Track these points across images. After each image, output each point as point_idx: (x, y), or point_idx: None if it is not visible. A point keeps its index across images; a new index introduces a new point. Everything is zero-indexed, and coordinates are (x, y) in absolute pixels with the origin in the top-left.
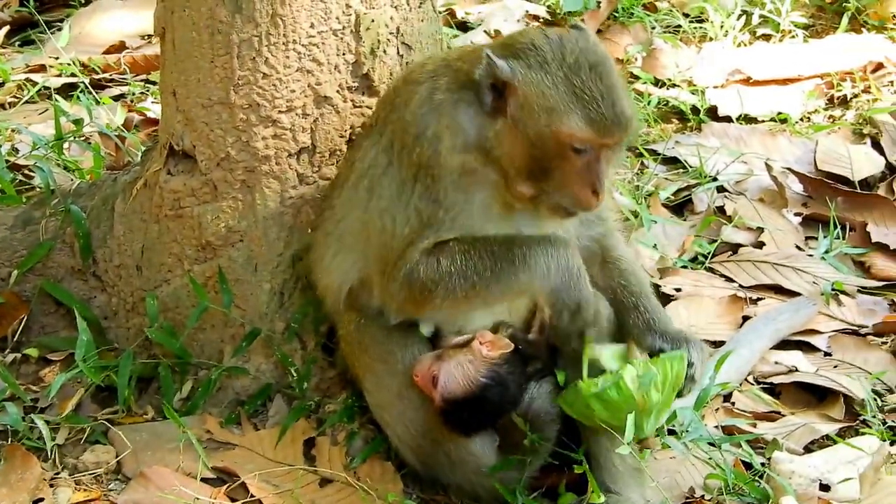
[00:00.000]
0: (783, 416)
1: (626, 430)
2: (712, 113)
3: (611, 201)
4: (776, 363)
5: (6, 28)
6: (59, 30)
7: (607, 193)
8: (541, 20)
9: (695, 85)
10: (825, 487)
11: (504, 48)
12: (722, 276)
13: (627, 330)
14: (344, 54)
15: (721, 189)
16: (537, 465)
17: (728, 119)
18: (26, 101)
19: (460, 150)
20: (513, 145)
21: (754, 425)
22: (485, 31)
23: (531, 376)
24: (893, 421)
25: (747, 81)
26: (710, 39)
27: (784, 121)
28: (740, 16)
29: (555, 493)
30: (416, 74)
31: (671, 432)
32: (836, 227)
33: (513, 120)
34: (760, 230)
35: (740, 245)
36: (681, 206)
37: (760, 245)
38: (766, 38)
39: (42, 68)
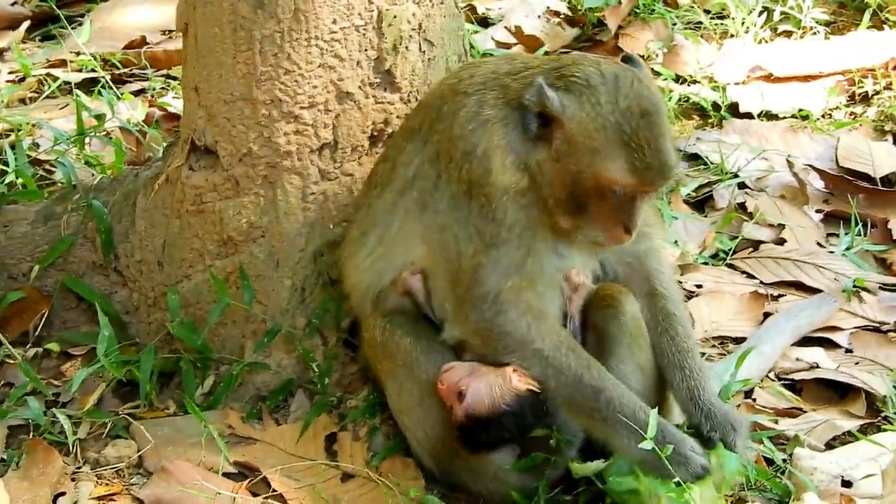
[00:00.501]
0: (804, 412)
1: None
2: (733, 109)
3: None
4: (797, 360)
5: (27, 23)
6: (80, 25)
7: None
8: (562, 16)
9: (716, 81)
10: (847, 484)
11: (558, 78)
12: (743, 272)
13: (670, 387)
14: (366, 50)
15: (742, 186)
16: (561, 467)
17: (749, 116)
18: (47, 96)
19: (511, 170)
20: (553, 175)
21: (776, 422)
22: (505, 27)
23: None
24: None
25: (768, 78)
26: (732, 36)
27: (805, 117)
28: (761, 12)
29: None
30: (464, 85)
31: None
32: (857, 223)
33: (556, 152)
34: (781, 227)
35: (761, 242)
36: (702, 203)
37: (781, 242)
38: (788, 34)
39: (63, 63)
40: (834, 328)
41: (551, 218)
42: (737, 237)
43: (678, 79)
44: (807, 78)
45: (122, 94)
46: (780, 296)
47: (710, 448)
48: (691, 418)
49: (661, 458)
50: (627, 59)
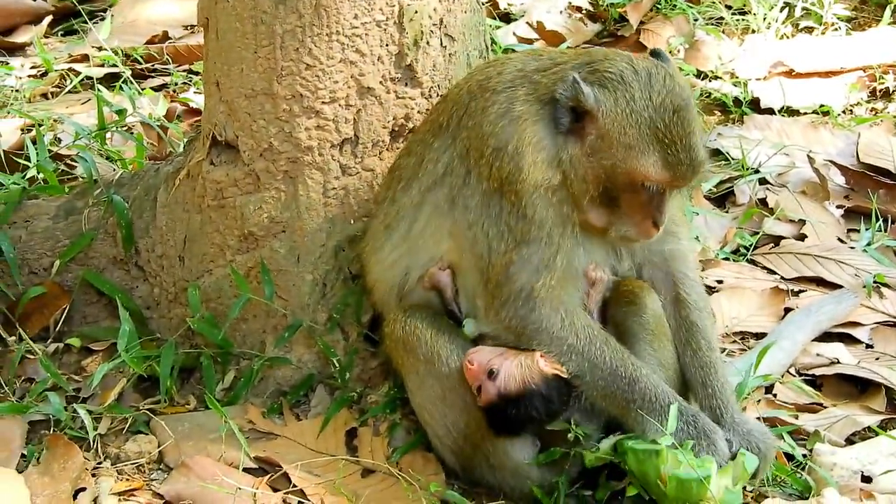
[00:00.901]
0: (825, 407)
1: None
2: (755, 105)
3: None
4: (818, 355)
5: (49, 18)
6: (102, 19)
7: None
8: (584, 11)
9: (737, 77)
10: (867, 479)
11: (591, 73)
12: (764, 268)
13: (693, 402)
14: (387, 45)
15: (763, 181)
16: (578, 466)
17: (770, 111)
18: (69, 91)
19: (542, 167)
20: (586, 170)
21: (796, 417)
22: (527, 23)
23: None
24: None
25: (790, 74)
26: (753, 32)
27: (826, 113)
28: (783, 8)
29: (595, 485)
30: (493, 82)
31: None
32: (878, 219)
33: (589, 147)
34: (802, 222)
35: (782, 237)
36: (723, 198)
37: (802, 237)
38: (809, 30)
39: (85, 58)
40: (854, 324)
41: (580, 214)
42: (758, 233)
43: (700, 74)
44: (828, 74)
45: (143, 89)
46: (800, 291)
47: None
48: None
49: (694, 435)
50: (656, 54)
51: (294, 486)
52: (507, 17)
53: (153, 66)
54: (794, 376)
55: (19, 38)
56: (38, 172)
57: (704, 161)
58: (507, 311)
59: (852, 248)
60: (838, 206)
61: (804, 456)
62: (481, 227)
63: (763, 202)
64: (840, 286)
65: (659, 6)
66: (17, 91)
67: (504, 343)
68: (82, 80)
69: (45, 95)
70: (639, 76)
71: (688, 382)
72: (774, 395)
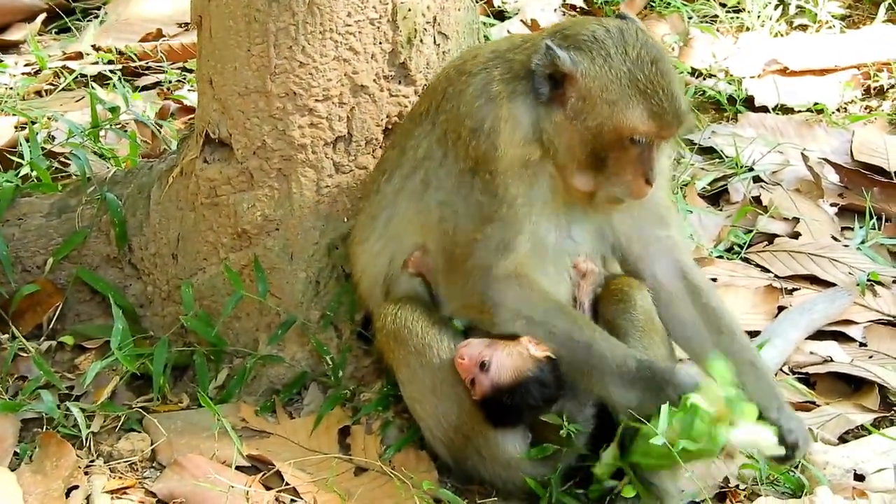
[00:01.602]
0: (818, 405)
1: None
2: (749, 103)
3: (673, 206)
4: (811, 353)
5: (43, 15)
6: (96, 17)
7: (671, 202)
8: (577, 9)
9: (731, 75)
10: (860, 478)
11: (563, 39)
12: (758, 266)
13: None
14: (381, 43)
15: (757, 179)
16: (572, 456)
17: (765, 109)
18: (63, 89)
19: (518, 144)
20: (571, 135)
21: None
22: (521, 21)
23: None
24: None
25: (784, 72)
26: (747, 29)
27: (821, 111)
28: (777, 6)
29: (588, 484)
30: (469, 65)
31: None
32: (872, 217)
33: (572, 111)
34: (796, 220)
35: (776, 235)
36: (717, 196)
37: (796, 235)
38: (803, 28)
39: (78, 56)
40: (848, 322)
41: (566, 184)
42: (751, 231)
43: (694, 72)
44: (822, 72)
45: (136, 87)
46: (794, 289)
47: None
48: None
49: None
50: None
51: (287, 484)
52: (501, 15)
53: (147, 63)
54: (788, 374)
55: (13, 35)
56: (32, 170)
57: (688, 110)
58: (468, 288)
59: (846, 246)
60: (832, 204)
61: None
62: (451, 206)
63: (757, 200)
64: (834, 284)
65: (653, 4)
66: (10, 89)
67: (473, 322)
68: (76, 77)
69: (38, 93)
70: (611, 34)
71: (735, 366)
72: None
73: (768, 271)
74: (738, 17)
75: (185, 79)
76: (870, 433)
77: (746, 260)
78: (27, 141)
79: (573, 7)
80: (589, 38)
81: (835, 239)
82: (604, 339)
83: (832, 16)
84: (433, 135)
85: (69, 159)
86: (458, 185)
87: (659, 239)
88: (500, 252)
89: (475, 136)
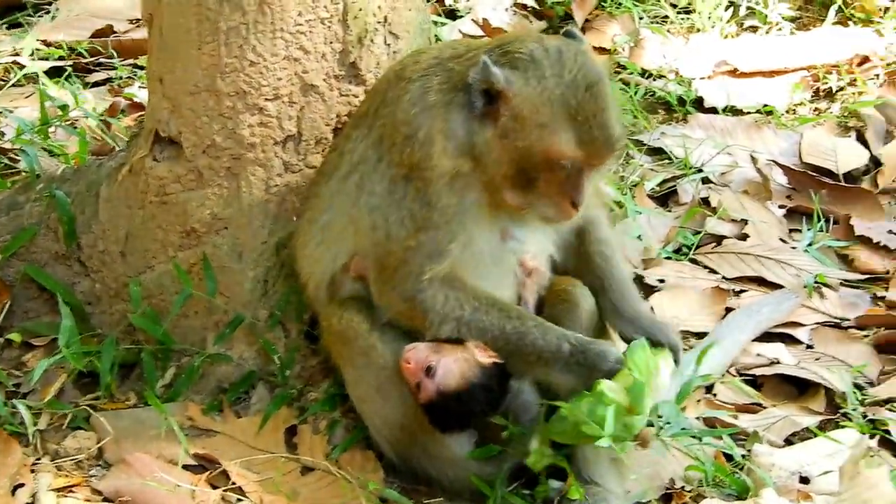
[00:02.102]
0: (764, 408)
1: (608, 426)
2: (698, 104)
3: (599, 200)
4: (758, 355)
5: None
6: (47, 13)
7: (597, 196)
8: (529, 9)
9: (681, 76)
10: (805, 480)
11: (502, 55)
12: (705, 267)
13: (601, 312)
14: (331, 43)
15: (706, 180)
16: (518, 456)
17: (714, 110)
18: (13, 85)
19: (452, 155)
20: (500, 153)
21: (735, 417)
22: (472, 20)
23: (512, 374)
24: (874, 414)
25: (734, 73)
26: (698, 31)
27: (770, 113)
28: (727, 7)
29: (535, 484)
30: (409, 72)
31: (649, 424)
32: (819, 219)
33: (503, 129)
34: (744, 222)
35: (724, 237)
36: (666, 197)
37: (744, 237)
38: (753, 29)
39: (29, 51)
40: (795, 324)
41: (497, 197)
42: (700, 232)
43: (644, 73)
44: (772, 73)
45: (87, 84)
46: (741, 291)
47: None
48: (618, 329)
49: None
50: (568, 34)
51: (233, 483)
52: (452, 14)
53: (98, 60)
54: (735, 376)
55: None
56: None
57: (619, 138)
58: (397, 296)
59: (794, 248)
60: (780, 206)
61: (743, 457)
62: (382, 212)
63: (705, 201)
64: (781, 286)
65: (604, 4)
66: None
67: (407, 327)
68: (26, 73)
69: None
70: (549, 55)
71: (596, 297)
72: (714, 395)
73: (716, 273)
74: (688, 18)
75: (135, 75)
76: (815, 436)
77: (694, 261)
78: None
79: (524, 6)
80: (527, 56)
81: (783, 241)
82: (536, 326)
83: (782, 18)
84: (369, 138)
85: (18, 156)
86: (391, 191)
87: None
88: (432, 258)
89: (409, 143)
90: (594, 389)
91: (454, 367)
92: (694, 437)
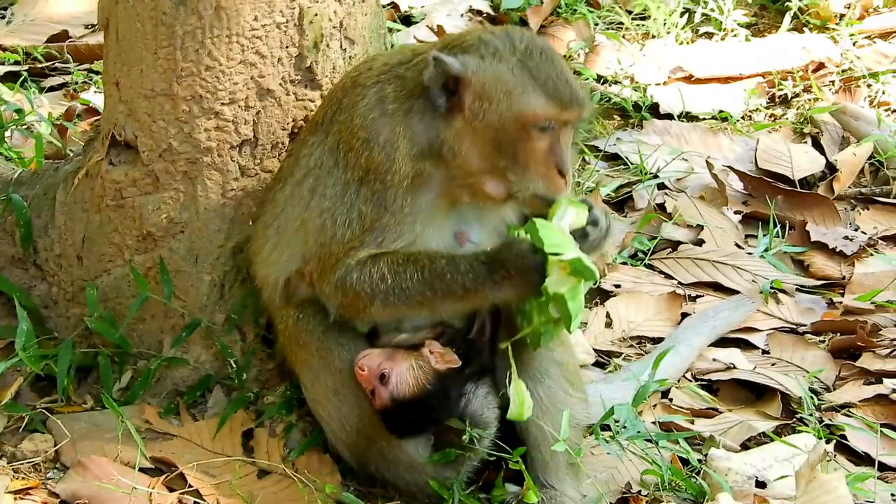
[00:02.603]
0: (720, 412)
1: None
2: (654, 110)
3: None
4: (714, 360)
5: None
6: (2, 17)
7: None
8: (484, 14)
9: (637, 82)
10: (761, 485)
11: (450, 49)
12: (661, 272)
13: None
14: (287, 47)
15: (662, 186)
16: (475, 461)
17: (669, 116)
18: None
19: (415, 158)
20: (474, 139)
21: (692, 422)
22: (427, 26)
23: (470, 377)
24: (830, 419)
25: (689, 79)
26: (653, 37)
27: (725, 119)
28: (683, 13)
29: (492, 488)
30: (363, 78)
31: (606, 428)
32: (775, 225)
33: (471, 114)
34: (700, 228)
35: (680, 242)
36: (621, 203)
37: (700, 242)
38: (709, 36)
39: None
40: (751, 329)
41: (460, 195)
42: (656, 237)
43: (599, 79)
44: (727, 79)
45: (43, 88)
46: (697, 296)
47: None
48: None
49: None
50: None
51: (190, 486)
52: (407, 20)
53: (54, 64)
54: (691, 381)
55: None
56: None
57: (586, 95)
58: (332, 287)
59: (750, 253)
60: (736, 212)
61: (699, 461)
62: (332, 214)
63: (661, 207)
64: (737, 292)
65: (559, 10)
66: None
67: (344, 315)
68: None
69: None
70: (496, 35)
71: None
72: (671, 400)
73: (672, 278)
74: (643, 25)
75: (91, 80)
76: (772, 440)
77: (650, 266)
78: None
79: (479, 13)
80: (475, 41)
81: (738, 246)
82: (448, 262)
83: (738, 24)
84: (325, 144)
85: None
86: (343, 193)
87: None
88: (366, 247)
89: (368, 146)
90: (544, 291)
91: (408, 374)
92: (650, 441)
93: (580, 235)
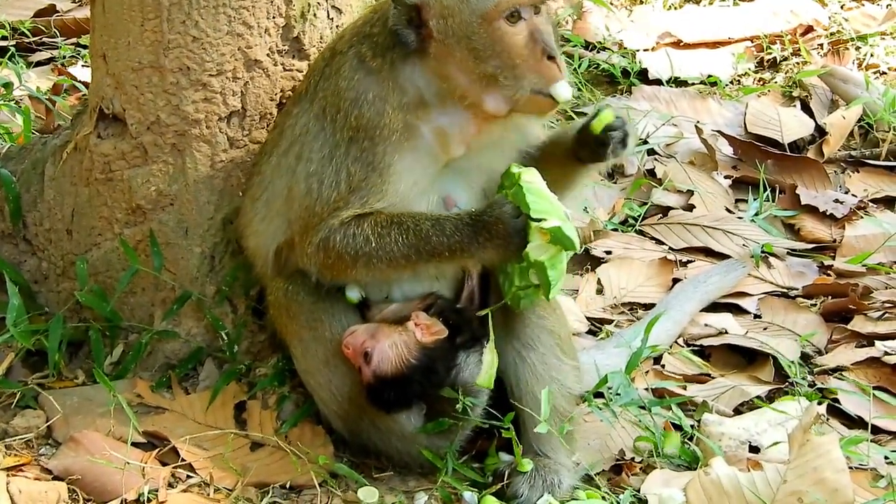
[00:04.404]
0: (713, 378)
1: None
2: (643, 76)
3: None
4: (706, 325)
5: None
6: None
7: None
8: None
9: (625, 48)
10: (755, 449)
11: None
12: (652, 238)
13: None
14: (274, 18)
15: (651, 152)
16: (468, 430)
17: (658, 82)
18: None
19: (405, 109)
20: (452, 60)
21: (684, 388)
22: None
23: (461, 346)
24: (822, 383)
25: (678, 44)
26: (641, 2)
27: (714, 84)
28: None
29: (485, 457)
30: (339, 46)
31: (599, 395)
32: (765, 189)
33: (441, 35)
34: (690, 193)
35: (670, 208)
36: (611, 170)
37: (690, 208)
38: (697, 1)
39: None
40: (742, 294)
41: (484, 116)
42: (646, 203)
43: (588, 45)
44: (715, 44)
45: (30, 63)
46: (688, 261)
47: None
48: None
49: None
50: None
51: (183, 459)
52: None
53: (41, 39)
54: (683, 347)
55: None
56: None
57: None
58: (314, 247)
59: (740, 218)
60: (726, 177)
61: (692, 427)
62: (318, 177)
63: (651, 173)
64: (728, 256)
65: None
66: None
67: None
68: None
69: None
70: None
71: None
72: (663, 366)
73: (663, 244)
74: None
75: (79, 55)
76: (765, 405)
77: (641, 232)
78: None
79: None
80: None
81: (729, 211)
82: (432, 223)
83: None
84: (311, 111)
85: None
86: (331, 156)
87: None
88: (350, 208)
89: (357, 105)
90: (525, 258)
91: (391, 352)
92: (643, 407)
93: (599, 143)
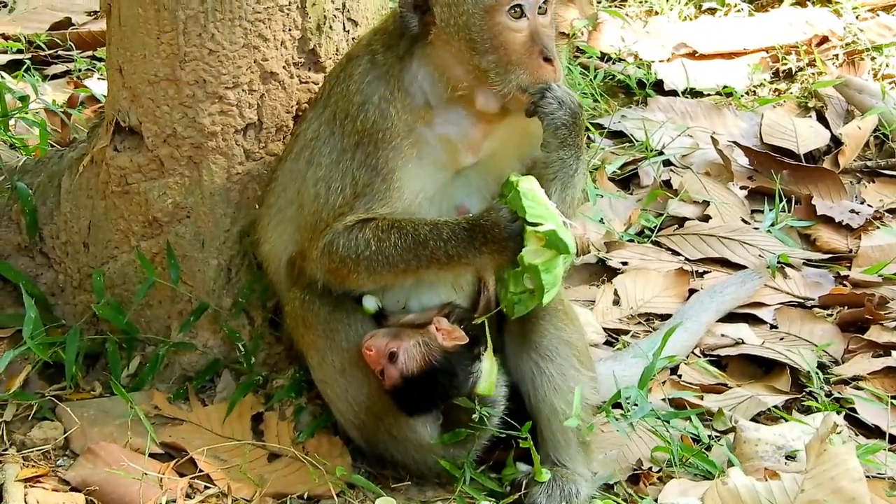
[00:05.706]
0: (730, 388)
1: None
2: (658, 87)
3: None
4: (722, 336)
5: None
6: (5, 6)
7: None
8: None
9: (641, 59)
10: (790, 457)
11: None
12: (668, 249)
13: None
14: (290, 30)
15: (667, 163)
16: (484, 439)
17: (674, 93)
18: None
19: (409, 109)
20: (450, 49)
21: (701, 398)
22: None
23: (477, 356)
24: (839, 392)
25: (693, 55)
26: (656, 13)
27: (730, 94)
28: None
29: (502, 467)
30: (355, 51)
31: (617, 406)
32: (781, 200)
33: (443, 23)
34: (706, 203)
35: (686, 218)
36: (627, 180)
37: (706, 218)
38: (712, 12)
39: None
40: (759, 304)
41: (478, 113)
42: (662, 214)
43: (603, 57)
44: (731, 55)
45: (46, 76)
46: (705, 272)
47: None
48: None
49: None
50: None
51: (200, 471)
52: None
53: (57, 52)
54: (699, 357)
55: None
56: None
57: None
58: (318, 252)
59: (756, 228)
60: (742, 187)
61: (710, 437)
62: (326, 182)
63: (667, 184)
64: (744, 267)
65: None
66: None
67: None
68: None
69: None
70: None
71: None
72: (679, 377)
73: (679, 254)
74: (646, 2)
75: (94, 67)
76: (782, 415)
77: (657, 243)
78: None
79: None
80: None
81: (745, 222)
82: (430, 229)
83: None
84: (322, 116)
85: None
86: (339, 160)
87: None
88: (355, 213)
89: (364, 109)
90: (520, 262)
91: (416, 351)
92: (660, 418)
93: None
